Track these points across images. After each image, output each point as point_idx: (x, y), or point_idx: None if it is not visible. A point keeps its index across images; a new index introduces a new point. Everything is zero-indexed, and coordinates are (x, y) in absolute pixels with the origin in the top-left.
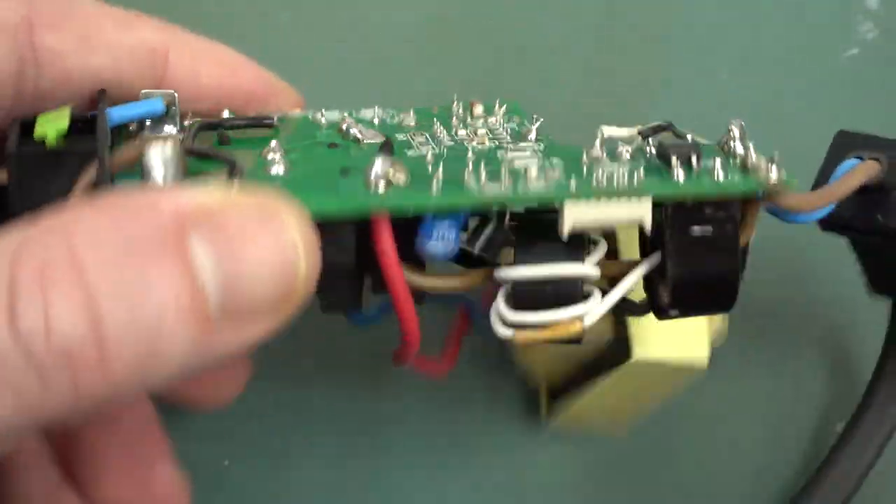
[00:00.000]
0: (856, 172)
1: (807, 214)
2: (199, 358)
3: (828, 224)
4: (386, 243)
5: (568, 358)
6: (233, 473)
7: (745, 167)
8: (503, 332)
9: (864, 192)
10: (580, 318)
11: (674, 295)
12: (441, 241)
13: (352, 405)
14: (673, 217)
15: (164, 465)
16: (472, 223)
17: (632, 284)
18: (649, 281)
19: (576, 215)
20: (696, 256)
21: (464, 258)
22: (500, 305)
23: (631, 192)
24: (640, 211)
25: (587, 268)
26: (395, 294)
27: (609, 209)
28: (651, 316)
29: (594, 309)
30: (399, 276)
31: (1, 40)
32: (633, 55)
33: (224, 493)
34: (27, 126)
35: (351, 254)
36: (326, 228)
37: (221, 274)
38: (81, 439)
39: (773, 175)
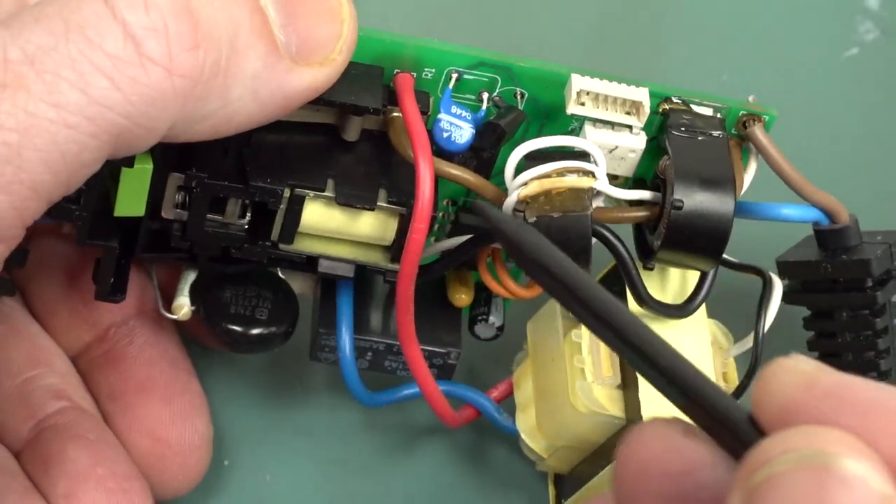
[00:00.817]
0: None
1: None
2: (269, 83)
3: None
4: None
5: (580, 443)
6: (233, 473)
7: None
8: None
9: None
10: (592, 174)
11: (668, 232)
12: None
13: (353, 409)
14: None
15: (194, 420)
16: None
17: (637, 195)
18: (640, 231)
19: (581, 83)
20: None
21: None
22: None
23: (630, 81)
24: (640, 95)
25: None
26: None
27: (610, 86)
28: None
29: (605, 182)
30: (421, 130)
31: None
32: (633, 56)
33: (224, 493)
34: None
35: None
36: None
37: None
38: (123, 390)
39: (752, 98)
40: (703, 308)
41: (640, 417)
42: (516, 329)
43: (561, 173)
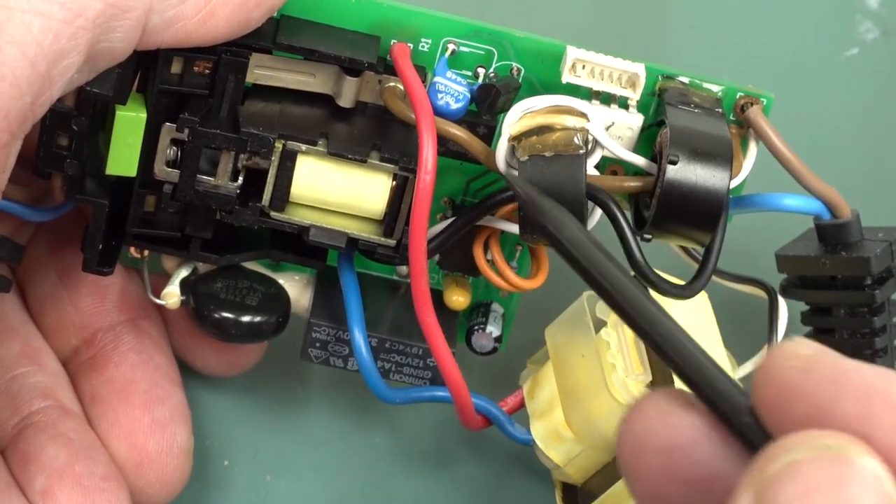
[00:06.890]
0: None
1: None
2: None
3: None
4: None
5: (607, 442)
6: (233, 473)
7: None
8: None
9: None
10: (585, 116)
11: (660, 204)
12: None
13: (353, 409)
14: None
15: (174, 430)
16: None
17: (632, 157)
18: (637, 209)
19: (577, 53)
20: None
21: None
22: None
23: (626, 57)
24: (636, 68)
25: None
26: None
27: (607, 59)
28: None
29: (600, 128)
30: (420, 86)
31: None
32: (634, 56)
33: (224, 493)
34: None
35: None
36: None
37: None
38: (104, 394)
39: (750, 86)
40: (706, 296)
41: None
42: (512, 357)
43: (552, 111)
